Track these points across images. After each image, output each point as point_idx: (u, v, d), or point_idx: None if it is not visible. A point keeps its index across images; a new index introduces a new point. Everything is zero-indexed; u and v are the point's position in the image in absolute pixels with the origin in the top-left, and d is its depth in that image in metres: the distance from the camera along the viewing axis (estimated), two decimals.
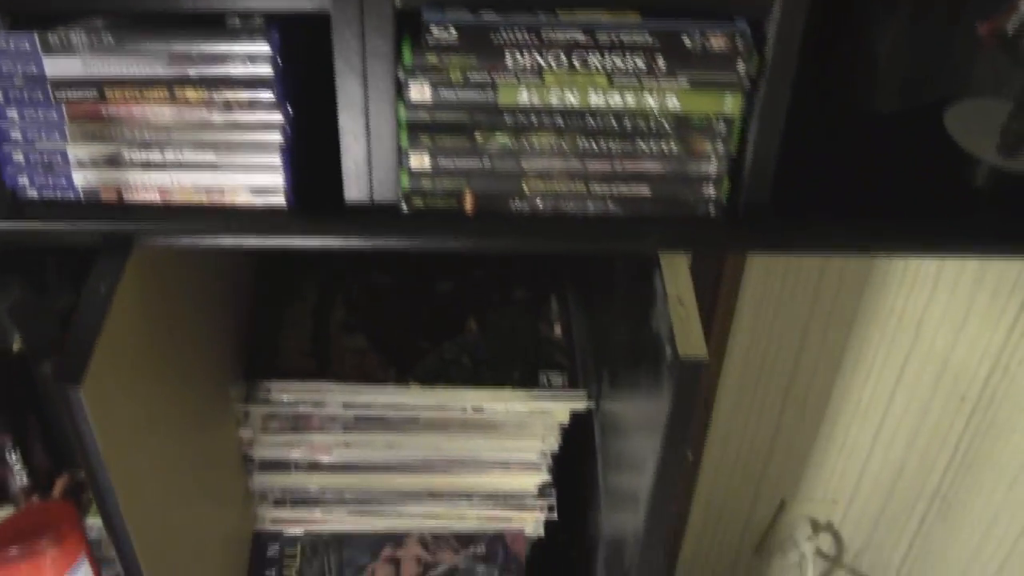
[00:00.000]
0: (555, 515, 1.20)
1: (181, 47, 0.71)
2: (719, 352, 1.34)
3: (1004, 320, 1.33)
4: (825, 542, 1.65)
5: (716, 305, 1.29)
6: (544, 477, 1.17)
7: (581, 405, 1.12)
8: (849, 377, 1.41)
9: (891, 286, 1.30)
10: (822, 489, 1.57)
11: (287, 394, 1.11)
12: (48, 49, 0.71)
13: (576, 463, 1.20)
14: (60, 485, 1.11)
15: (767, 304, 1.31)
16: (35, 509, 1.01)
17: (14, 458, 1.06)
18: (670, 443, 0.78)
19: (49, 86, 0.73)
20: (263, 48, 0.71)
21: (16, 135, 0.75)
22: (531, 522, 1.21)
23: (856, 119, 0.91)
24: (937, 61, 0.90)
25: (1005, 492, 1.46)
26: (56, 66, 0.72)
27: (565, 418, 1.14)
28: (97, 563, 1.01)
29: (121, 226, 0.77)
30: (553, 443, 1.15)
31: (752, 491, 1.57)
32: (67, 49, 0.71)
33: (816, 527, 1.61)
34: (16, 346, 1.05)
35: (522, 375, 1.14)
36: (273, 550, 1.20)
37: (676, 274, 0.77)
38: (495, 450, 1.15)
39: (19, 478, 1.07)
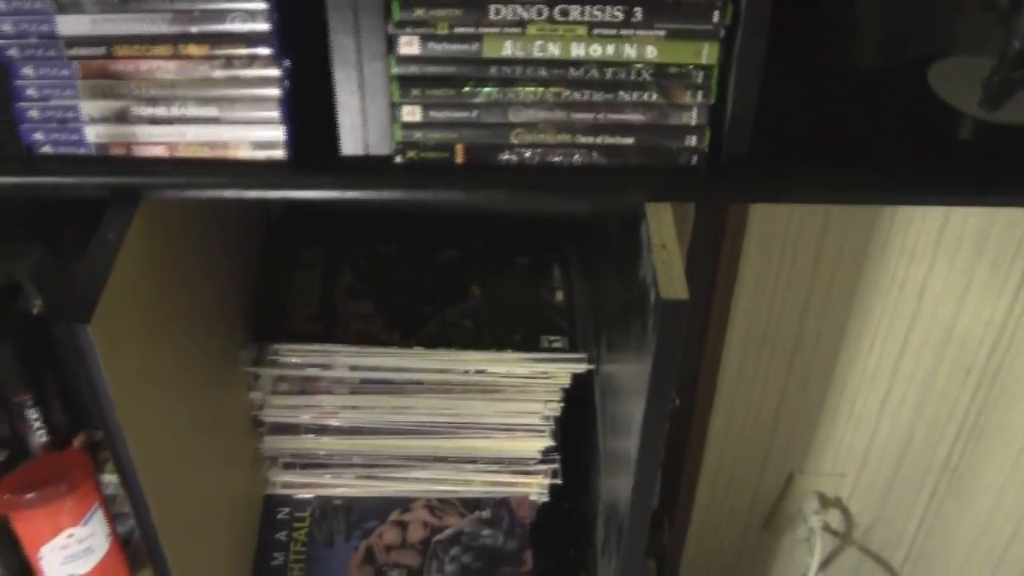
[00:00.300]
0: (559, 479, 1.22)
1: (183, 4, 0.74)
2: (722, 321, 1.37)
3: (1006, 291, 1.35)
4: (834, 518, 1.66)
5: (717, 276, 1.31)
6: (548, 441, 1.20)
7: (582, 368, 1.15)
8: (853, 346, 1.42)
9: (891, 255, 1.32)
10: (830, 462, 1.59)
11: (295, 357, 1.14)
12: (60, 8, 0.75)
13: (579, 427, 1.23)
14: (77, 443, 1.15)
15: (768, 274, 1.33)
16: (51, 458, 1.05)
17: (34, 415, 1.10)
18: (655, 386, 0.81)
19: (61, 44, 0.76)
20: (260, 4, 0.74)
21: (31, 92, 0.78)
22: (535, 486, 1.24)
23: (840, 76, 0.94)
24: (920, 20, 0.92)
25: (1013, 462, 1.47)
26: (68, 24, 0.75)
27: (566, 381, 1.16)
28: (112, 517, 1.05)
29: (129, 180, 0.81)
30: (555, 407, 1.18)
31: (759, 463, 1.59)
32: (77, 8, 0.75)
33: (825, 502, 1.63)
34: (37, 309, 1.10)
35: (524, 339, 1.17)
36: (283, 513, 1.23)
37: (660, 222, 0.80)
38: (498, 414, 1.18)
39: (39, 435, 1.11)
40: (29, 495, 0.96)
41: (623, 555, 0.96)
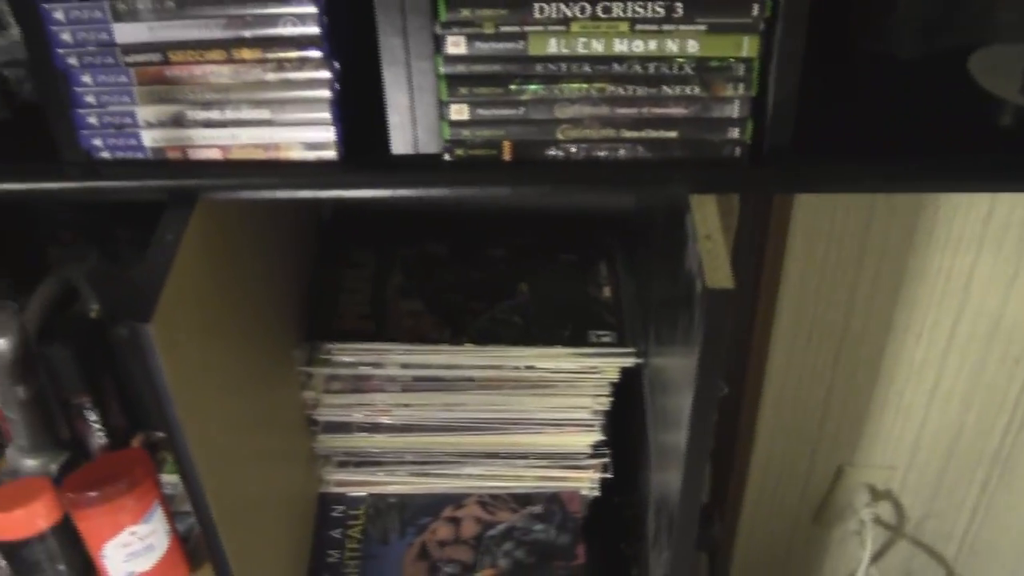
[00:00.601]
0: (610, 474, 1.24)
1: (236, 10, 0.76)
2: (768, 314, 1.37)
3: None
4: (885, 510, 1.66)
5: (762, 270, 1.32)
6: (597, 436, 1.21)
7: (630, 362, 1.17)
8: (900, 338, 1.42)
9: (936, 246, 1.32)
10: (879, 454, 1.59)
11: (348, 355, 1.16)
12: (117, 16, 0.77)
13: (628, 421, 1.24)
14: (136, 443, 1.17)
15: (813, 267, 1.33)
16: (112, 457, 1.07)
17: (93, 417, 1.12)
18: (703, 376, 0.82)
19: (119, 51, 0.79)
20: (310, 8, 0.76)
21: (90, 99, 0.81)
22: (586, 481, 1.25)
23: (880, 65, 0.94)
24: (959, 8, 0.92)
25: None
26: (125, 32, 0.78)
27: (615, 375, 1.18)
28: (171, 515, 1.07)
29: (185, 182, 0.83)
30: (604, 401, 1.19)
31: (808, 456, 1.59)
32: (134, 16, 0.77)
33: (875, 494, 1.63)
34: (94, 312, 1.12)
35: (572, 334, 1.18)
36: (338, 511, 1.25)
37: (705, 214, 0.81)
38: (548, 409, 1.19)
39: (98, 437, 1.14)
40: (91, 493, 0.98)
41: (674, 547, 0.97)
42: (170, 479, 1.11)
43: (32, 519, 0.99)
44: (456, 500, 1.26)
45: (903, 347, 1.44)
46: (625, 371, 1.18)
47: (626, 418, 1.23)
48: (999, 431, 1.54)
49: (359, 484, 1.26)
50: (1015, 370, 1.45)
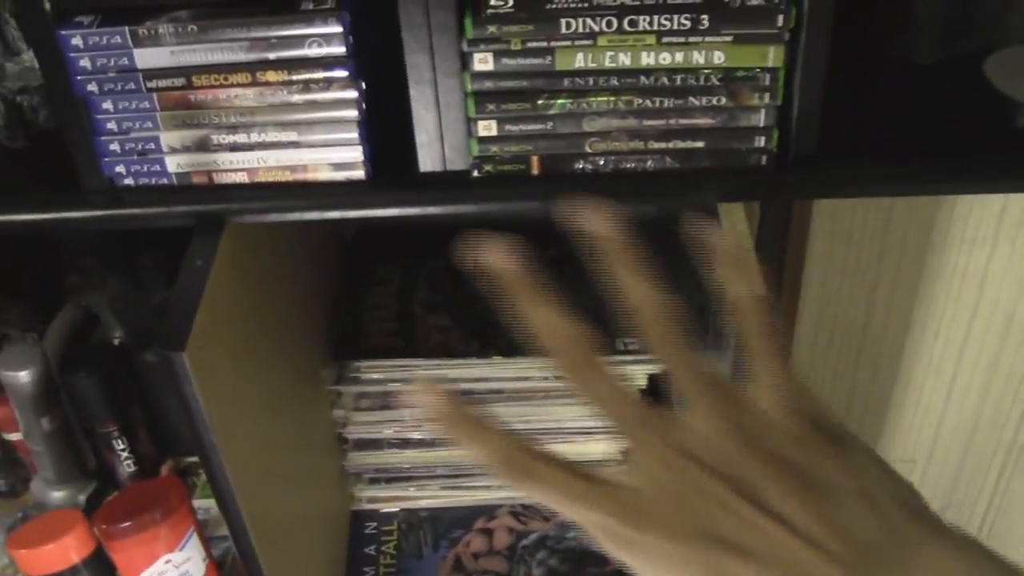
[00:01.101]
0: None
1: (260, 32, 0.76)
2: (791, 316, 1.37)
3: None
4: None
5: (784, 272, 1.32)
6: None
7: (657, 368, 1.16)
8: (919, 336, 1.43)
9: (953, 243, 1.32)
10: (900, 449, 1.59)
11: (376, 372, 1.16)
12: (138, 42, 0.77)
13: None
14: (165, 470, 1.17)
15: (834, 268, 1.34)
16: (145, 485, 1.07)
17: (121, 446, 1.12)
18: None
19: (141, 77, 0.78)
20: (335, 28, 0.76)
21: (112, 126, 0.80)
22: None
23: (898, 70, 0.94)
24: (976, 12, 0.92)
25: None
26: (146, 57, 0.77)
27: (643, 382, 1.17)
28: (206, 540, 1.07)
29: (213, 207, 0.82)
30: None
31: None
32: (155, 41, 0.77)
33: None
34: (118, 339, 1.12)
35: (600, 342, 1.18)
36: (371, 528, 1.25)
37: (734, 222, 0.81)
38: (577, 417, 1.19)
39: (126, 465, 1.14)
40: (125, 524, 0.98)
41: None
42: (202, 504, 1.11)
43: (64, 552, 0.99)
44: (488, 511, 1.26)
45: (922, 344, 1.44)
46: (651, 377, 1.18)
47: None
48: (1014, 422, 1.54)
49: (391, 500, 1.26)
50: None
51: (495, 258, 0.54)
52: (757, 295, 0.53)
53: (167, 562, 1.01)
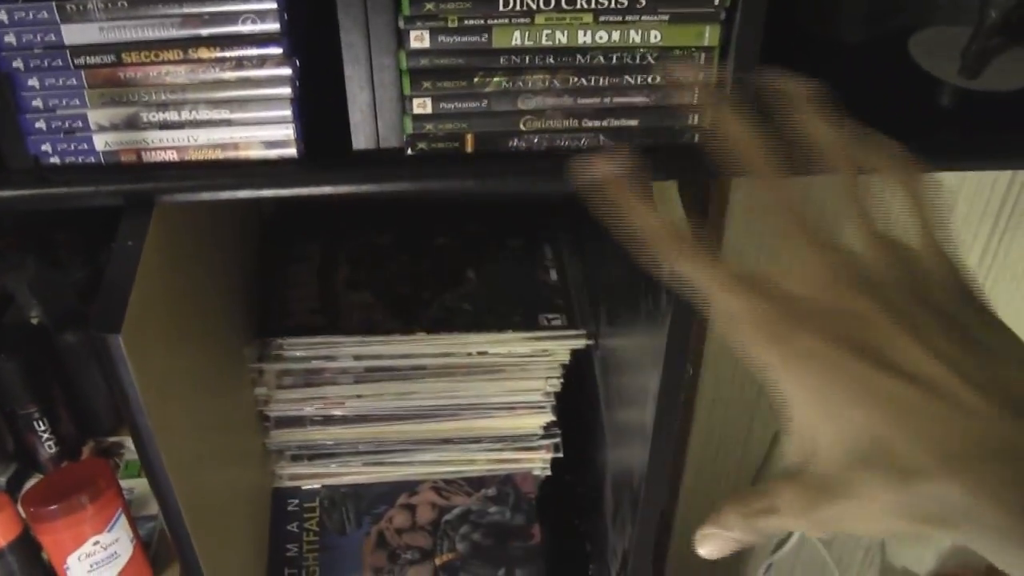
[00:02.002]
0: (560, 453, 1.25)
1: (192, 8, 0.75)
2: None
3: (975, 248, 1.38)
4: None
5: None
6: (549, 417, 1.22)
7: (581, 343, 1.17)
8: None
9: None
10: None
11: (299, 350, 1.15)
12: (66, 17, 0.75)
13: (578, 401, 1.25)
14: (87, 451, 1.16)
15: (751, 243, 1.35)
16: (71, 468, 1.05)
17: (42, 427, 1.10)
18: (671, 359, 0.83)
19: (68, 53, 0.76)
20: (270, 5, 0.75)
21: (37, 103, 0.78)
22: (538, 462, 1.26)
23: (825, 50, 0.96)
24: None
25: None
26: (74, 33, 0.75)
27: (566, 357, 1.19)
28: (133, 521, 1.06)
29: (142, 186, 0.81)
30: (555, 383, 1.20)
31: (747, 423, 1.62)
32: (84, 16, 0.74)
33: None
34: (35, 319, 1.10)
35: (523, 318, 1.19)
36: (293, 505, 1.25)
37: (668, 200, 0.82)
38: (500, 393, 1.20)
39: (47, 446, 1.12)
40: (52, 506, 0.96)
41: (639, 522, 0.98)
42: (126, 484, 1.10)
43: None
44: (410, 487, 1.26)
45: None
46: (575, 352, 1.19)
47: (575, 397, 1.24)
48: None
49: (313, 477, 1.25)
50: None
51: (601, 169, 0.59)
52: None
53: (95, 544, 1.00)
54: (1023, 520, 0.43)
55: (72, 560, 0.99)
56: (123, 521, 1.01)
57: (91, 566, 1.00)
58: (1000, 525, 0.44)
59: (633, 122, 0.81)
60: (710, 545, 0.54)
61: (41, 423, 1.10)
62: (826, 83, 0.92)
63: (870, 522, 0.48)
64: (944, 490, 0.44)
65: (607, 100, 0.80)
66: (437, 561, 1.21)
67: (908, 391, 0.46)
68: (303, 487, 1.26)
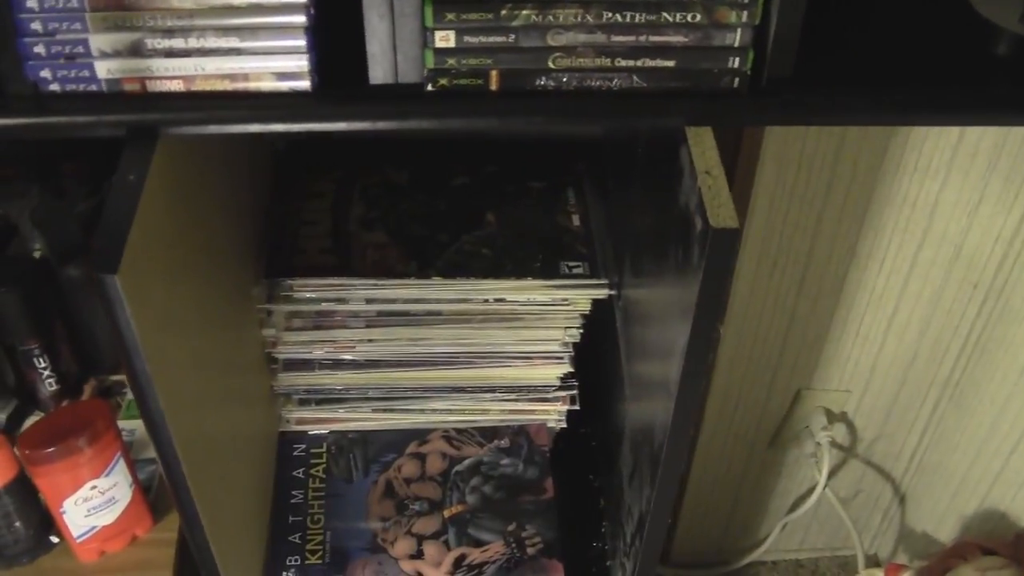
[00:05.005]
0: (577, 406, 1.21)
1: None
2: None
3: (1017, 205, 1.33)
4: (839, 432, 1.67)
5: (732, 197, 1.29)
6: (566, 368, 1.18)
7: (603, 293, 1.13)
8: (863, 266, 1.41)
9: (905, 173, 1.30)
10: (836, 379, 1.59)
11: (309, 291, 1.11)
12: None
13: (598, 353, 1.21)
14: (89, 389, 1.12)
15: (782, 194, 1.31)
16: (69, 409, 1.01)
17: (42, 363, 1.07)
18: (701, 314, 0.79)
19: None
20: None
21: (36, 26, 0.74)
22: (554, 413, 1.22)
23: None
24: None
25: (1017, 377, 1.46)
26: None
27: (587, 308, 1.15)
28: (132, 465, 1.02)
29: (146, 116, 0.76)
30: (575, 333, 1.16)
31: (767, 382, 1.58)
32: None
33: (831, 417, 1.63)
34: (38, 252, 1.06)
35: (543, 266, 1.14)
36: (299, 449, 1.21)
37: (703, 147, 0.77)
38: (517, 342, 1.16)
39: (48, 384, 1.08)
40: (49, 449, 0.93)
41: (659, 484, 0.94)
42: (127, 425, 1.07)
43: None
44: (420, 436, 1.23)
45: (865, 274, 1.43)
46: (596, 302, 1.15)
47: (595, 348, 1.20)
48: (953, 355, 1.55)
49: (320, 422, 1.22)
50: (973, 294, 1.44)
51: None
52: None
53: (93, 488, 0.97)
54: None
55: (68, 504, 0.96)
56: (122, 465, 0.98)
57: (88, 511, 0.97)
58: None
59: (669, 63, 0.76)
60: None
61: (42, 360, 1.06)
62: (881, 28, 0.88)
63: None
64: None
65: (642, 38, 0.75)
66: (446, 513, 1.17)
67: None
68: (310, 432, 1.22)
